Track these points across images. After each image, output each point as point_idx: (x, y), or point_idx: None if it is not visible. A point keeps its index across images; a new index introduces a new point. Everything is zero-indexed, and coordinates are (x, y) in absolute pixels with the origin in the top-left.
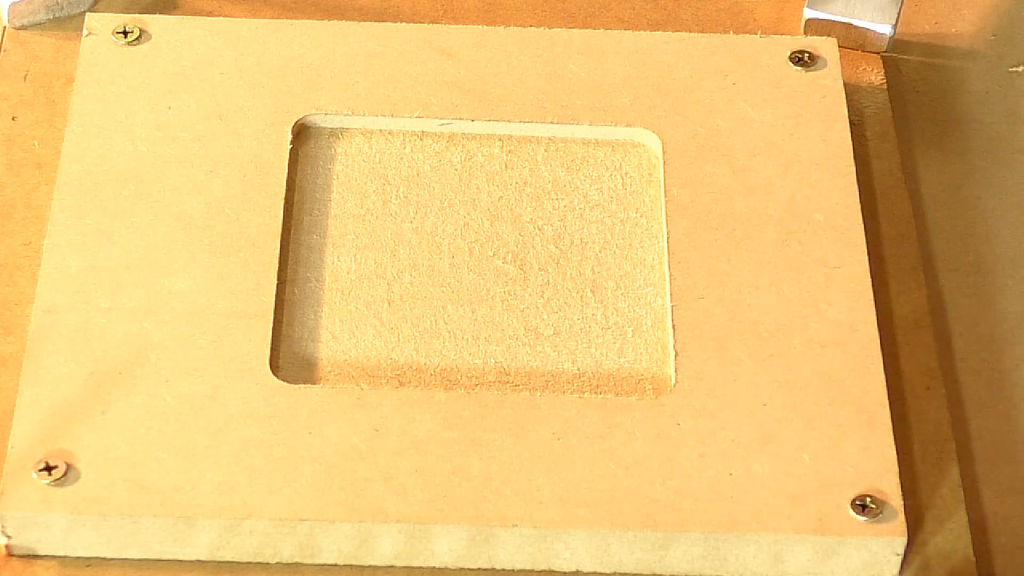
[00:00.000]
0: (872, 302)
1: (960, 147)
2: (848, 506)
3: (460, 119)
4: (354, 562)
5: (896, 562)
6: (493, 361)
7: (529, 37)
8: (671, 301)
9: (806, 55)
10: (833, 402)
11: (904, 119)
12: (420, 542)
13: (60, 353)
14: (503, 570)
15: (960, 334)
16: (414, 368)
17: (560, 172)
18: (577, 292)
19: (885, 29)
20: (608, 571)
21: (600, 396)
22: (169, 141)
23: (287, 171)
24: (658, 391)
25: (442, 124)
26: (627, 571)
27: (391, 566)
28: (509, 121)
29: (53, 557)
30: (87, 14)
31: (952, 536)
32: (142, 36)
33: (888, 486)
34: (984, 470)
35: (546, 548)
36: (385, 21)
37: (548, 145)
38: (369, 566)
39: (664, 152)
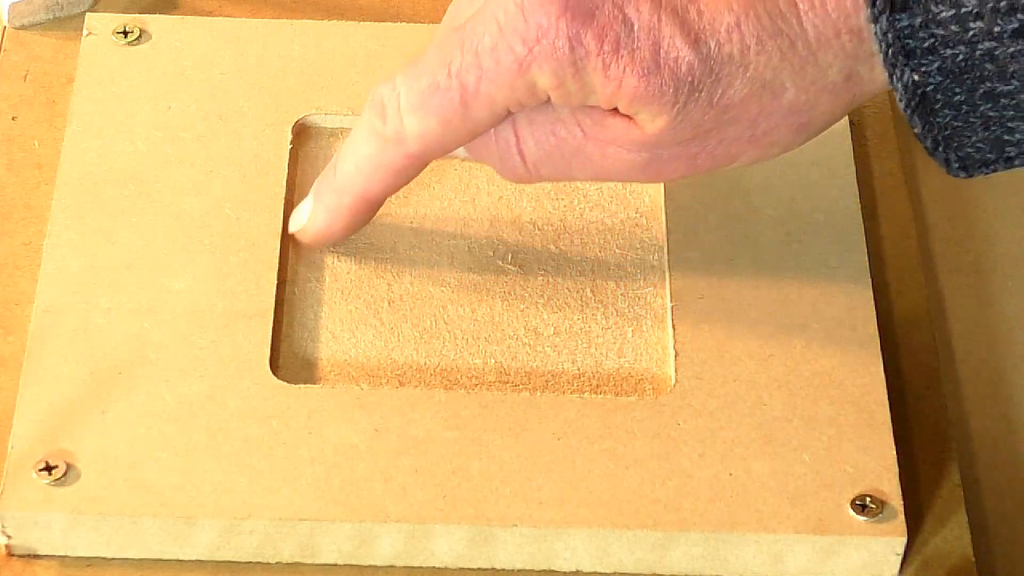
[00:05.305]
0: (872, 302)
1: None
2: (848, 506)
3: None
4: (354, 562)
5: (896, 562)
6: (493, 361)
7: None
8: (671, 301)
9: None
10: (833, 402)
11: (904, 119)
12: (420, 542)
13: (60, 353)
14: (503, 570)
15: (960, 334)
16: (414, 368)
17: None
18: (577, 292)
19: None
20: (608, 571)
21: (600, 396)
22: (169, 141)
23: (287, 171)
24: (658, 391)
25: None
26: (627, 571)
27: (391, 566)
28: None
29: (53, 557)
30: (87, 14)
31: (952, 536)
32: (142, 36)
33: (888, 486)
34: (984, 470)
35: (546, 548)
36: (385, 21)
37: None
38: (369, 566)
39: None
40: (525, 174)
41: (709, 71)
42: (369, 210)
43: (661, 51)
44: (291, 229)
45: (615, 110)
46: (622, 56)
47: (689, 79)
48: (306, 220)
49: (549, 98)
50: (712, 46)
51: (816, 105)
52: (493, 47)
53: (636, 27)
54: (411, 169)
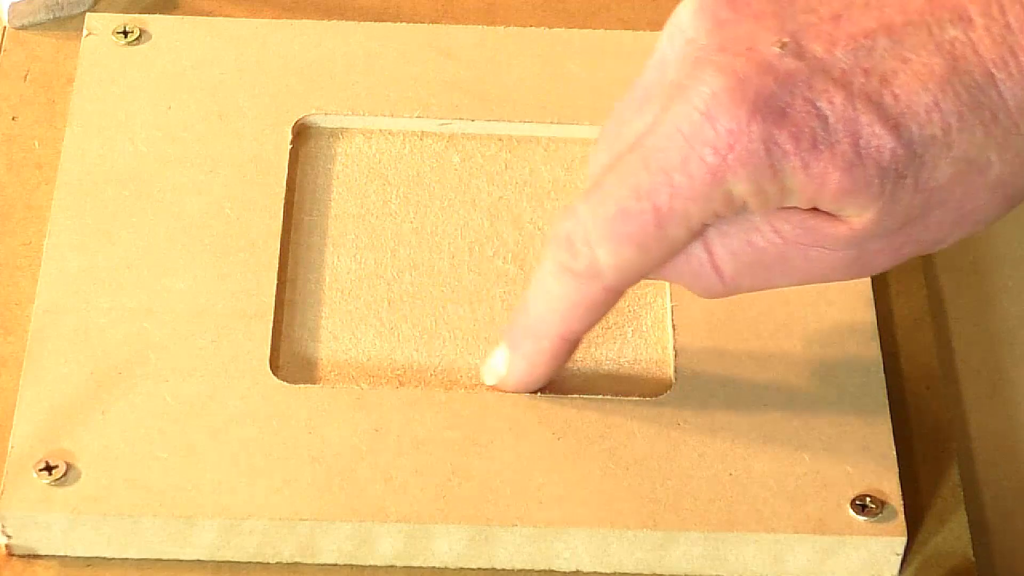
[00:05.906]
0: (872, 302)
1: None
2: (848, 506)
3: (460, 119)
4: (354, 562)
5: (896, 562)
6: None
7: (529, 37)
8: (671, 301)
9: None
10: (833, 402)
11: None
12: (420, 542)
13: (60, 353)
14: (503, 570)
15: (960, 334)
16: (414, 368)
17: (560, 172)
18: None
19: None
20: (608, 571)
21: (600, 396)
22: (169, 141)
23: (287, 171)
24: (658, 391)
25: (442, 124)
26: (627, 571)
27: (391, 566)
28: (509, 121)
29: (53, 557)
30: (87, 14)
31: (952, 536)
32: (142, 36)
33: (888, 486)
34: (984, 470)
35: (546, 548)
36: (385, 21)
37: (548, 145)
38: (369, 566)
39: None
40: (723, 290)
41: (913, 156)
42: (570, 350)
43: (861, 141)
44: (489, 381)
45: (814, 209)
46: (821, 152)
47: (894, 167)
48: (504, 370)
49: (745, 205)
50: (913, 129)
51: (1022, 175)
52: (683, 161)
53: (831, 120)
54: (609, 302)
